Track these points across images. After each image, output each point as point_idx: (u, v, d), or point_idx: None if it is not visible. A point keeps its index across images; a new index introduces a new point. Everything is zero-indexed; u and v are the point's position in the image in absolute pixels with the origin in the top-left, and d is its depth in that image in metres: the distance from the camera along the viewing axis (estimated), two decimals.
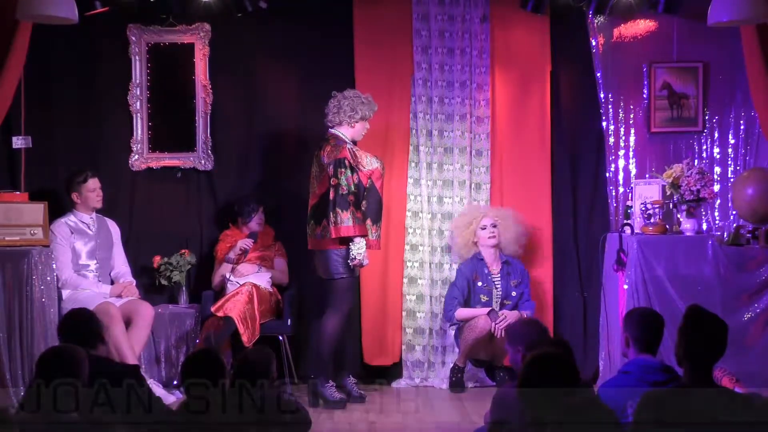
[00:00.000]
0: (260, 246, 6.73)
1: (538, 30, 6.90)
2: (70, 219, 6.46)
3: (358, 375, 6.88)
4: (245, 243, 6.62)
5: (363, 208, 6.13)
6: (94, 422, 3.03)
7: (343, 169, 6.05)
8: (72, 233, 6.41)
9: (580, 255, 6.91)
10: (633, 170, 6.79)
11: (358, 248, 6.07)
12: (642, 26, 6.83)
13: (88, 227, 6.50)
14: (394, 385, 6.82)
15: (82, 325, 4.36)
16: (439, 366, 6.81)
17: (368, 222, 6.15)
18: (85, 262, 6.46)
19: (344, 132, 6.21)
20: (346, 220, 6.01)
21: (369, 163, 6.17)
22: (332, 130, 6.23)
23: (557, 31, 6.91)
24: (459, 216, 6.77)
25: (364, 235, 6.09)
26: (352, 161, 6.10)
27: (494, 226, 6.62)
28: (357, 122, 6.22)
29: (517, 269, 6.67)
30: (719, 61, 6.79)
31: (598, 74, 6.80)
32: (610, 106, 6.82)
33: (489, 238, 6.61)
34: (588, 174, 6.98)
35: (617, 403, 3.59)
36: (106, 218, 6.62)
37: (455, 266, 6.80)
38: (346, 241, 6.07)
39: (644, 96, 6.83)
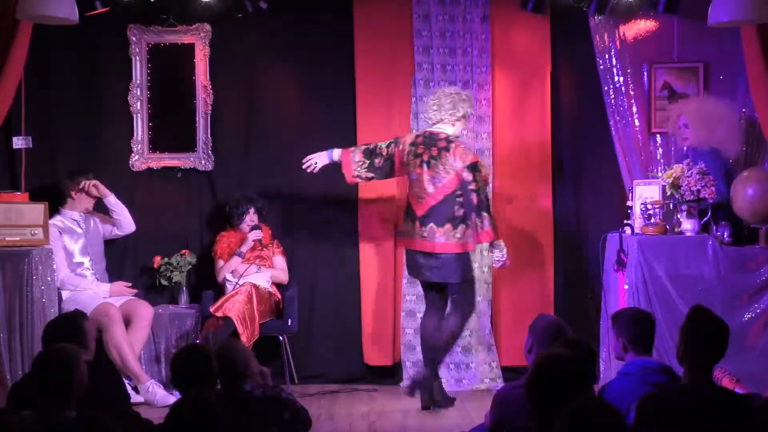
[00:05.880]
0: (258, 245, 6.74)
1: (538, 30, 6.90)
2: (57, 219, 6.47)
3: (358, 375, 6.91)
4: (255, 235, 6.64)
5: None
6: (92, 422, 3.02)
7: (479, 173, 5.97)
8: (61, 234, 6.43)
9: (582, 255, 6.91)
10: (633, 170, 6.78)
11: (504, 249, 6.02)
12: (642, 26, 6.82)
13: (78, 224, 6.52)
14: (394, 385, 6.82)
15: (64, 336, 4.22)
16: (441, 366, 6.80)
17: None
18: (79, 260, 6.48)
19: (447, 130, 6.08)
20: (489, 224, 5.94)
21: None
22: (436, 129, 6.07)
23: (557, 31, 6.91)
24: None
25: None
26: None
27: (686, 127, 6.44)
28: (457, 120, 6.09)
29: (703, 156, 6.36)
30: (719, 62, 6.78)
31: (599, 74, 6.80)
32: (610, 106, 6.81)
33: (683, 139, 6.47)
34: (589, 174, 6.99)
35: (618, 405, 3.59)
36: (92, 215, 6.64)
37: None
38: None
39: (644, 96, 6.82)
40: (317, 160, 6.29)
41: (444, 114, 6.04)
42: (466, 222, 5.96)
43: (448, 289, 6.11)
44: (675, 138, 6.66)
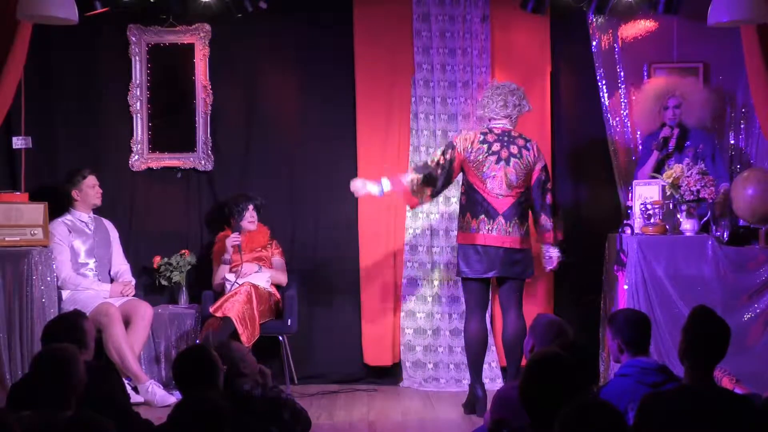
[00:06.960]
0: (257, 246, 6.73)
1: (538, 30, 6.90)
2: (68, 218, 6.48)
3: (358, 375, 6.90)
4: (233, 241, 6.59)
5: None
6: (89, 422, 3.03)
7: (548, 173, 6.09)
8: (70, 232, 6.43)
9: (581, 255, 6.90)
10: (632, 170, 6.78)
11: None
12: (642, 26, 6.83)
13: (87, 226, 6.53)
14: (394, 385, 6.82)
15: (63, 336, 4.20)
16: (441, 366, 6.80)
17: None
18: (84, 260, 6.48)
19: (510, 127, 6.06)
20: (557, 225, 6.06)
21: None
22: (501, 125, 6.04)
23: (557, 31, 6.91)
24: (647, 86, 6.63)
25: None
26: None
27: (678, 107, 6.46)
28: (520, 116, 6.11)
29: (698, 136, 6.46)
30: (719, 62, 6.78)
31: (598, 75, 6.80)
32: (610, 107, 6.81)
33: (671, 119, 6.46)
34: (588, 174, 6.99)
35: (617, 406, 3.58)
36: (103, 219, 6.65)
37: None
38: None
39: None
40: (364, 191, 6.09)
41: (512, 110, 6.03)
42: (550, 220, 6.05)
43: (511, 285, 6.05)
44: (644, 118, 6.60)
